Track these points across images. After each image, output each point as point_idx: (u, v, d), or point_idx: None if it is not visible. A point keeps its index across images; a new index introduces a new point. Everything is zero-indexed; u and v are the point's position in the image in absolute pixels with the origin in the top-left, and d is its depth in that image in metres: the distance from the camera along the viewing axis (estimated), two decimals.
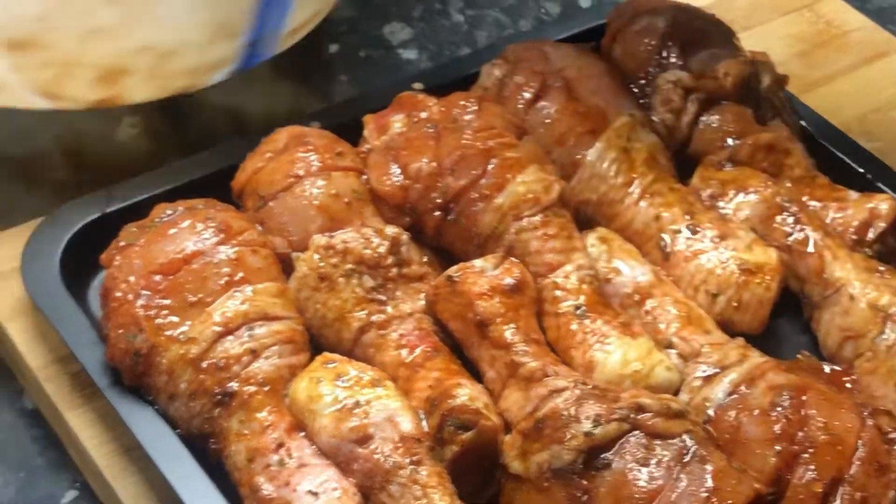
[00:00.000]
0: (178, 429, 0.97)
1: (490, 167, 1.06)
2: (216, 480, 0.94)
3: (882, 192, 1.17)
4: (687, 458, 0.90)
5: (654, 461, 0.90)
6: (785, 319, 1.13)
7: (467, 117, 1.10)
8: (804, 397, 0.95)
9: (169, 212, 1.04)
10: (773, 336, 1.11)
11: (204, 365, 0.96)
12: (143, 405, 0.98)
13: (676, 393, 1.00)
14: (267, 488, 0.93)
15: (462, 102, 1.12)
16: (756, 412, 0.95)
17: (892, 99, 1.37)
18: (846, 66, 1.40)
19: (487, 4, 1.54)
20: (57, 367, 1.05)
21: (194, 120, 1.35)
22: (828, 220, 1.12)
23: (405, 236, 1.06)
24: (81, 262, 1.08)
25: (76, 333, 1.02)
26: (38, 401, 1.07)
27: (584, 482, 0.90)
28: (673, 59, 1.20)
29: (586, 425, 0.91)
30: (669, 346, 1.03)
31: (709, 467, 0.89)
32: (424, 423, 0.96)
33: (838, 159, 1.23)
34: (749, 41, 1.32)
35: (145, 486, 0.98)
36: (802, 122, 1.26)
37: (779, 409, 0.95)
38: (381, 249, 1.04)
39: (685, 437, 0.91)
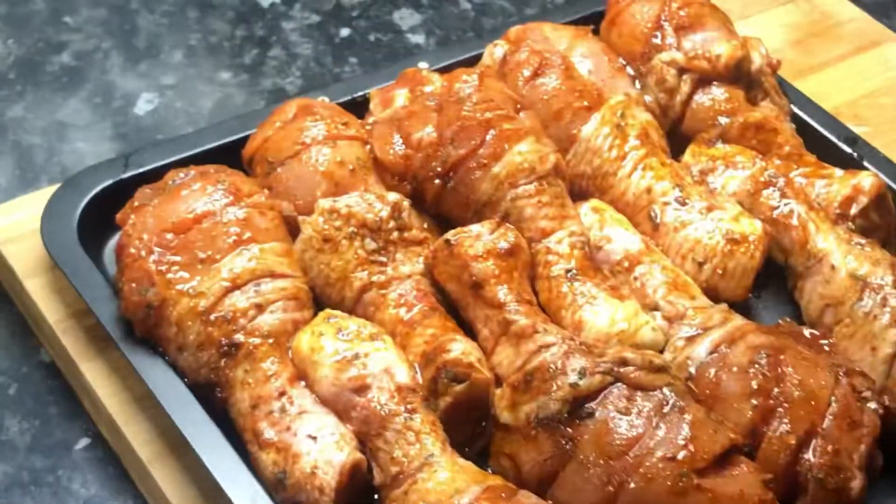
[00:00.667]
0: (187, 378, 1.02)
1: (488, 138, 1.11)
2: (222, 427, 0.99)
3: (866, 170, 1.21)
4: (666, 409, 0.94)
5: (635, 411, 0.94)
6: (770, 290, 1.17)
7: (468, 91, 1.15)
8: (782, 357, 1.00)
9: (182, 175, 1.10)
10: (758, 305, 1.16)
11: (212, 318, 1.02)
12: (154, 356, 1.04)
13: (661, 352, 1.04)
14: (269, 433, 0.98)
15: (464, 77, 1.17)
16: (735, 369, 1.00)
17: (881, 86, 1.41)
18: (839, 54, 1.45)
19: None
20: (73, 321, 1.11)
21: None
22: (813, 196, 1.17)
23: (406, 202, 1.11)
24: (98, 224, 1.13)
25: (92, 289, 1.08)
26: (55, 354, 1.13)
27: (570, 430, 0.95)
28: (668, 42, 1.24)
29: (572, 377, 0.96)
30: (655, 308, 1.08)
31: (687, 417, 0.94)
32: (419, 375, 1.01)
33: (827, 140, 1.27)
34: (746, 29, 1.37)
35: (155, 432, 1.03)
36: (793, 106, 1.30)
37: (756, 366, 0.99)
38: (383, 214, 1.09)
39: (665, 389, 0.96)
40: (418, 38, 1.52)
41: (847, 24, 1.49)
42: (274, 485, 0.96)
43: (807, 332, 1.07)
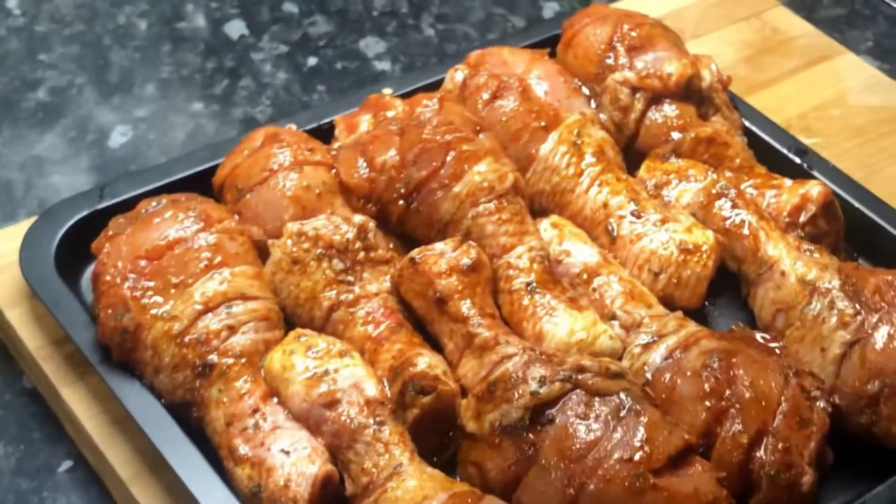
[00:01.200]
0: (163, 399, 1.06)
1: (448, 159, 1.15)
2: (198, 445, 1.03)
3: (815, 179, 1.25)
4: (623, 413, 0.99)
5: (593, 416, 0.99)
6: (724, 298, 1.21)
7: (428, 115, 1.19)
8: (734, 360, 1.04)
9: (154, 204, 1.14)
10: (713, 312, 1.20)
11: (186, 340, 1.06)
12: (132, 379, 1.08)
13: (619, 360, 1.08)
14: (244, 448, 1.02)
15: (424, 102, 1.21)
16: (689, 373, 1.04)
17: (831, 98, 1.46)
18: (789, 69, 1.50)
19: (457, 19, 1.64)
20: (53, 348, 1.14)
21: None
22: (764, 205, 1.21)
23: (372, 223, 1.15)
24: (75, 253, 1.17)
25: (70, 316, 1.12)
26: (36, 380, 1.16)
27: (531, 436, 0.99)
28: (620, 62, 1.29)
29: (533, 385, 1.00)
30: (613, 318, 1.12)
31: (643, 420, 0.98)
32: (388, 389, 1.05)
33: (777, 152, 1.32)
34: (699, 48, 1.42)
35: (134, 452, 1.07)
36: (745, 120, 1.35)
37: (709, 370, 1.03)
38: (349, 235, 1.13)
39: (622, 394, 1.00)
40: (384, 65, 1.56)
41: (798, 40, 1.54)
42: (249, 498, 1.00)
43: (759, 336, 1.11)
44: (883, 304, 1.09)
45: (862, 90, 1.48)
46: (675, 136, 1.27)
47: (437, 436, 1.06)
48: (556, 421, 0.99)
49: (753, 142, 1.33)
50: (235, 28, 1.61)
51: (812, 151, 1.32)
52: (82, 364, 1.11)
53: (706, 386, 1.03)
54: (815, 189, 1.21)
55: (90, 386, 1.12)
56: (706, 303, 1.20)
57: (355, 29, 1.62)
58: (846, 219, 1.25)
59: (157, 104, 1.49)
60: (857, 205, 1.27)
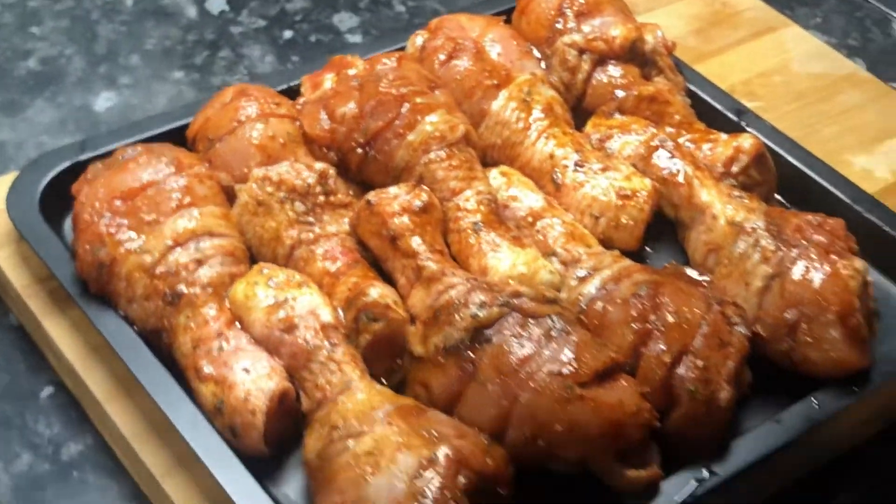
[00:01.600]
0: (136, 327, 1.15)
1: (403, 110, 1.24)
2: (168, 369, 1.12)
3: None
4: (554, 333, 1.07)
5: (526, 336, 1.07)
6: (663, 243, 1.30)
7: (386, 71, 1.28)
8: (661, 290, 1.13)
9: (129, 151, 1.23)
10: (652, 256, 1.29)
11: (157, 272, 1.15)
12: (108, 310, 1.17)
13: (558, 292, 1.17)
14: (208, 368, 1.11)
15: (384, 60, 1.31)
16: (619, 301, 1.13)
17: (774, 66, 1.55)
18: (736, 39, 1.59)
19: None
20: (38, 286, 1.24)
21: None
22: (700, 157, 1.30)
23: (332, 170, 1.24)
24: (58, 201, 1.26)
25: (53, 255, 1.21)
26: (21, 316, 1.26)
27: (471, 355, 1.08)
28: (569, 26, 1.38)
29: (473, 309, 1.09)
30: (554, 255, 1.21)
31: (573, 339, 1.07)
32: (343, 317, 1.14)
33: (718, 112, 1.41)
34: (650, 20, 1.51)
35: (110, 376, 1.16)
36: (689, 84, 1.44)
37: (638, 298, 1.12)
38: (311, 180, 1.22)
39: (554, 316, 1.08)
40: (356, 38, 1.66)
41: (745, 13, 1.63)
42: (213, 412, 1.09)
43: (689, 271, 1.20)
44: (802, 241, 1.17)
45: (805, 59, 1.57)
46: (620, 94, 1.36)
47: (388, 360, 1.14)
48: (494, 341, 1.08)
49: (696, 103, 1.42)
50: (216, 4, 1.70)
51: (750, 111, 1.41)
52: (64, 298, 1.20)
53: (633, 312, 1.11)
54: (747, 141, 1.30)
55: (71, 318, 1.21)
56: (646, 247, 1.29)
57: (330, 4, 1.71)
58: (780, 173, 1.34)
59: (141, 73, 1.58)
60: (790, 159, 1.35)
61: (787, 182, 1.34)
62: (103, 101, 1.53)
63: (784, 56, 1.57)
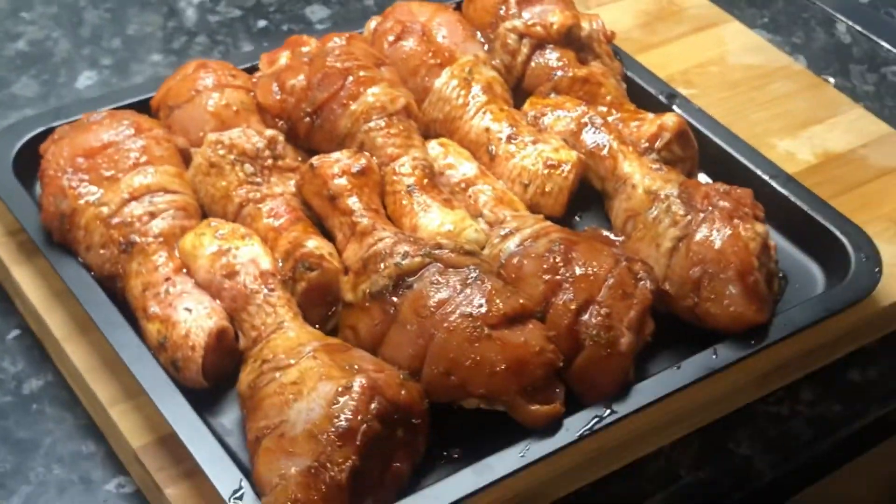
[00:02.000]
0: (93, 273, 1.26)
1: (347, 83, 1.35)
2: (121, 311, 1.23)
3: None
4: (470, 281, 1.17)
5: (445, 283, 1.17)
6: (590, 213, 1.40)
7: (335, 48, 1.39)
8: (574, 246, 1.23)
9: (95, 116, 1.34)
10: (580, 224, 1.39)
11: (113, 222, 1.25)
12: (69, 257, 1.27)
13: (483, 249, 1.27)
14: (155, 308, 1.21)
15: (335, 38, 1.41)
16: (534, 256, 1.22)
17: (713, 58, 1.65)
18: (679, 33, 1.69)
19: None
20: (7, 237, 1.34)
21: None
22: (627, 134, 1.40)
23: (281, 137, 1.35)
24: (30, 163, 1.36)
25: (23, 210, 1.31)
26: None
27: (394, 299, 1.18)
28: (511, 13, 1.49)
29: (397, 259, 1.19)
30: (481, 216, 1.31)
31: (486, 286, 1.17)
32: (282, 267, 1.24)
33: (651, 96, 1.51)
34: (601, 13, 1.61)
35: (69, 317, 1.27)
36: (627, 71, 1.54)
37: (551, 252, 1.22)
38: (260, 145, 1.33)
39: (471, 266, 1.18)
40: (325, 28, 1.76)
41: (690, 10, 1.73)
42: (157, 348, 1.19)
43: (605, 233, 1.30)
44: (709, 207, 1.27)
45: (742, 52, 1.66)
46: (555, 76, 1.46)
47: (323, 308, 1.24)
48: (415, 287, 1.17)
49: (632, 88, 1.52)
50: None
51: (681, 96, 1.50)
52: (32, 249, 1.31)
53: (545, 265, 1.21)
54: (670, 119, 1.40)
55: (37, 266, 1.31)
56: (577, 217, 1.39)
57: None
58: (704, 151, 1.44)
59: (122, 55, 1.69)
60: (713, 137, 1.45)
61: (710, 160, 1.44)
62: (84, 80, 1.64)
63: (722, 49, 1.66)
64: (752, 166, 1.42)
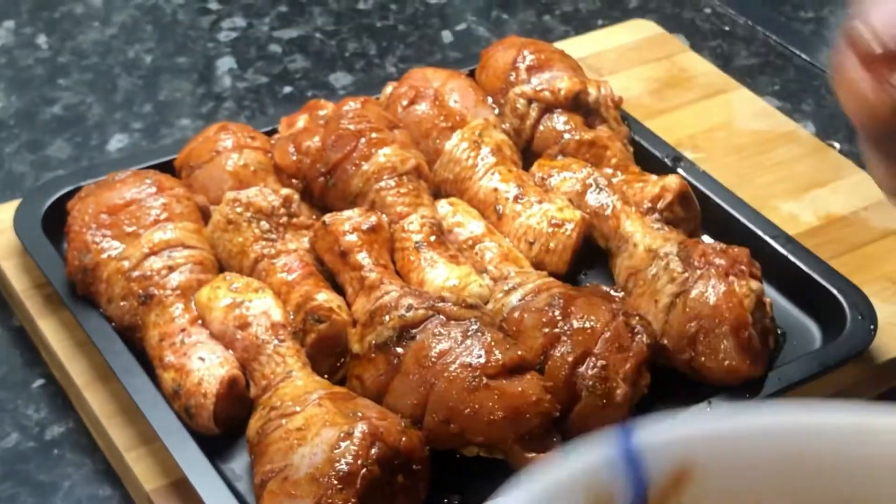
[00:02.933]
0: (114, 324, 1.32)
1: (360, 144, 1.41)
2: (139, 361, 1.28)
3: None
4: (470, 333, 1.22)
5: (447, 334, 1.22)
6: (595, 270, 1.44)
7: (350, 112, 1.45)
8: (573, 301, 1.27)
9: (120, 175, 1.41)
10: (583, 280, 1.43)
11: (133, 275, 1.31)
12: (91, 310, 1.33)
13: (486, 304, 1.32)
14: (170, 358, 1.27)
15: (351, 102, 1.48)
16: (534, 309, 1.27)
17: (719, 123, 1.70)
18: (688, 100, 1.74)
19: (416, 60, 1.91)
20: (35, 290, 1.41)
21: None
22: (630, 195, 1.45)
23: (296, 195, 1.41)
24: (59, 220, 1.43)
25: (49, 265, 1.38)
26: (22, 317, 1.43)
27: (398, 350, 1.23)
28: (521, 78, 1.55)
29: (402, 311, 1.24)
30: (485, 272, 1.36)
31: (486, 338, 1.21)
32: (293, 319, 1.29)
33: (657, 159, 1.56)
34: (612, 83, 1.66)
35: (91, 366, 1.32)
36: (635, 135, 1.59)
37: (551, 306, 1.27)
38: (276, 203, 1.39)
39: (473, 319, 1.23)
40: (348, 94, 1.83)
41: (700, 77, 1.79)
42: (171, 395, 1.25)
43: (605, 289, 1.34)
44: (706, 264, 1.31)
45: (749, 118, 1.71)
46: (562, 139, 1.51)
47: (332, 359, 1.30)
48: (417, 338, 1.22)
49: (639, 151, 1.57)
50: (226, 63, 1.89)
51: (686, 159, 1.55)
52: (57, 302, 1.37)
53: (545, 318, 1.26)
54: (672, 181, 1.44)
55: (61, 318, 1.37)
56: (582, 274, 1.44)
57: (328, 66, 1.90)
58: (709, 213, 1.48)
59: (152, 119, 1.77)
60: (716, 199, 1.49)
61: (713, 221, 1.48)
62: (115, 143, 1.72)
63: (730, 115, 1.71)
64: (753, 227, 1.46)
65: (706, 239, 1.48)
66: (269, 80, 1.87)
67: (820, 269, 1.40)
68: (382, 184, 1.40)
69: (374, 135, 1.42)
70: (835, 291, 1.37)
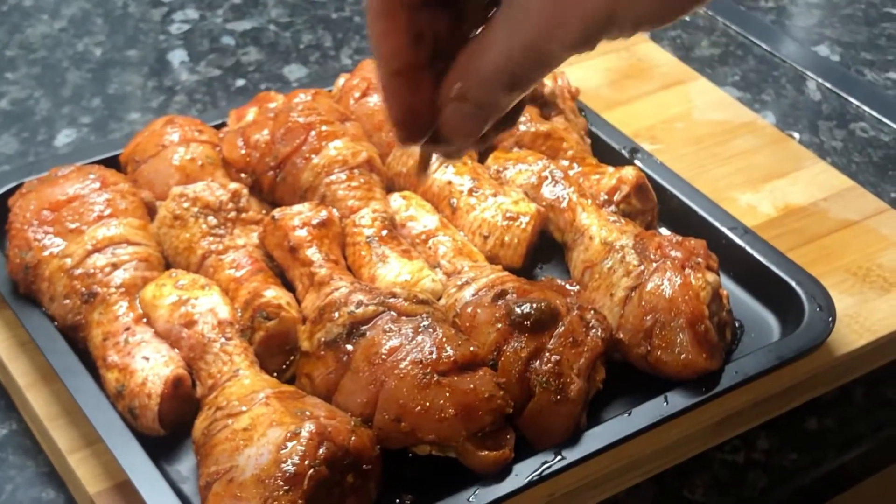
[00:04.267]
0: (57, 323, 1.28)
1: (310, 137, 1.38)
2: (83, 361, 1.25)
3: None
4: (421, 329, 1.19)
5: (397, 330, 1.19)
6: (552, 264, 1.42)
7: (298, 103, 1.42)
8: (527, 296, 1.25)
9: (62, 170, 1.37)
10: (539, 274, 1.41)
11: (75, 273, 1.28)
12: (34, 308, 1.30)
13: (438, 300, 1.29)
14: (114, 357, 1.23)
15: (301, 94, 1.44)
16: (487, 304, 1.24)
17: (677, 114, 1.68)
18: (646, 91, 1.72)
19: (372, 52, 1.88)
20: None
21: None
22: (587, 187, 1.42)
23: (245, 190, 1.37)
24: (1, 217, 1.40)
25: None
26: None
27: (348, 347, 1.20)
28: None
29: (351, 307, 1.21)
30: (438, 267, 1.33)
31: (438, 334, 1.18)
32: (241, 316, 1.26)
33: (614, 151, 1.53)
34: (570, 73, 1.64)
35: (33, 367, 1.29)
36: (592, 127, 1.56)
37: (502, 300, 1.24)
38: (223, 198, 1.35)
39: (424, 315, 1.20)
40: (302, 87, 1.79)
41: (659, 68, 1.76)
42: (115, 396, 1.21)
43: (560, 282, 1.32)
44: (662, 257, 1.29)
45: (708, 108, 1.69)
46: (519, 130, 1.49)
47: (281, 357, 1.26)
48: (367, 335, 1.19)
49: (596, 143, 1.54)
50: (178, 56, 1.85)
51: (643, 150, 1.53)
52: None
53: (497, 313, 1.23)
54: (628, 172, 1.42)
55: (3, 318, 1.34)
56: (538, 267, 1.41)
57: (282, 58, 1.86)
58: (666, 205, 1.46)
59: (101, 114, 1.73)
60: (673, 191, 1.47)
61: (671, 213, 1.46)
62: (63, 138, 1.68)
63: (688, 105, 1.69)
64: (711, 219, 1.44)
65: (663, 231, 1.46)
66: (222, 72, 1.83)
67: (778, 260, 1.38)
68: (333, 177, 1.37)
69: (324, 127, 1.39)
70: (793, 283, 1.35)
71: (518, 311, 1.22)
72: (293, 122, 1.39)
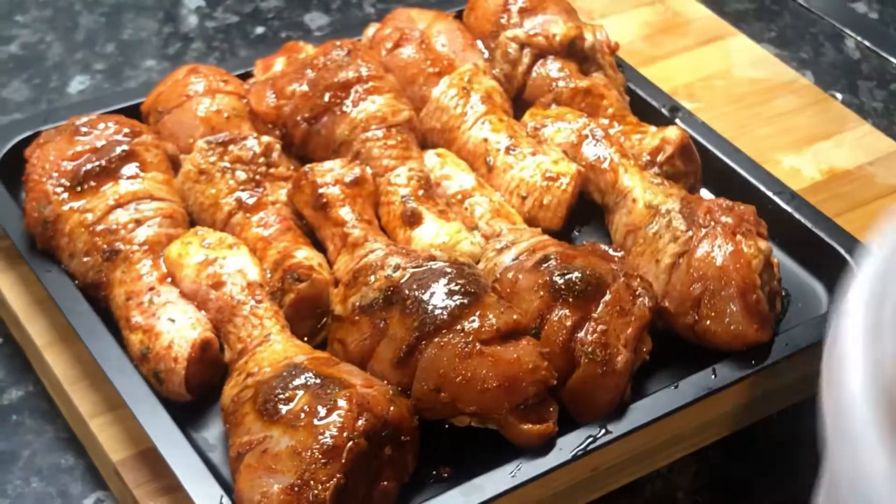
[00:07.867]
0: (77, 281, 1.22)
1: (354, 90, 1.31)
2: (104, 321, 1.19)
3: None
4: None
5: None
6: (591, 226, 1.36)
7: (341, 55, 1.35)
8: (571, 261, 1.19)
9: (83, 119, 1.30)
10: (580, 237, 1.35)
11: (97, 229, 1.22)
12: (52, 264, 1.24)
13: (477, 263, 1.23)
14: (138, 318, 1.18)
15: (338, 43, 1.38)
16: (529, 270, 1.19)
17: (717, 71, 1.61)
18: (683, 46, 1.65)
19: (396, 0, 1.81)
20: None
21: None
22: (628, 147, 1.37)
23: (277, 144, 1.31)
24: (17, 168, 1.33)
25: (7, 216, 1.28)
26: None
27: (384, 313, 1.14)
28: (513, 22, 1.46)
29: (388, 271, 1.16)
30: (476, 229, 1.27)
31: (479, 300, 1.13)
32: (270, 278, 1.20)
33: (655, 109, 1.47)
34: (605, 24, 1.58)
35: (51, 326, 1.23)
36: (630, 83, 1.50)
37: (546, 266, 1.18)
38: (255, 150, 1.29)
39: None
40: (324, 36, 1.73)
41: (695, 23, 1.70)
42: (139, 359, 1.16)
43: (604, 247, 1.26)
44: (711, 222, 1.23)
45: (747, 65, 1.63)
46: (556, 86, 1.42)
47: (312, 320, 1.21)
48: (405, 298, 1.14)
49: (635, 100, 1.48)
50: (194, 1, 1.78)
51: (684, 109, 1.47)
52: (15, 255, 1.28)
53: (540, 280, 1.17)
54: (672, 132, 1.36)
55: (19, 273, 1.28)
56: (576, 231, 1.35)
57: (302, 4, 1.79)
58: (707, 166, 1.40)
59: (115, 60, 1.66)
60: (716, 152, 1.41)
61: (714, 175, 1.40)
62: (76, 84, 1.62)
63: (727, 62, 1.63)
64: (756, 182, 1.38)
65: (705, 194, 1.40)
66: (240, 19, 1.76)
67: (827, 227, 1.33)
68: (370, 134, 1.31)
69: (371, 83, 1.32)
70: (842, 251, 1.30)
71: (563, 279, 1.16)
72: (339, 75, 1.32)
